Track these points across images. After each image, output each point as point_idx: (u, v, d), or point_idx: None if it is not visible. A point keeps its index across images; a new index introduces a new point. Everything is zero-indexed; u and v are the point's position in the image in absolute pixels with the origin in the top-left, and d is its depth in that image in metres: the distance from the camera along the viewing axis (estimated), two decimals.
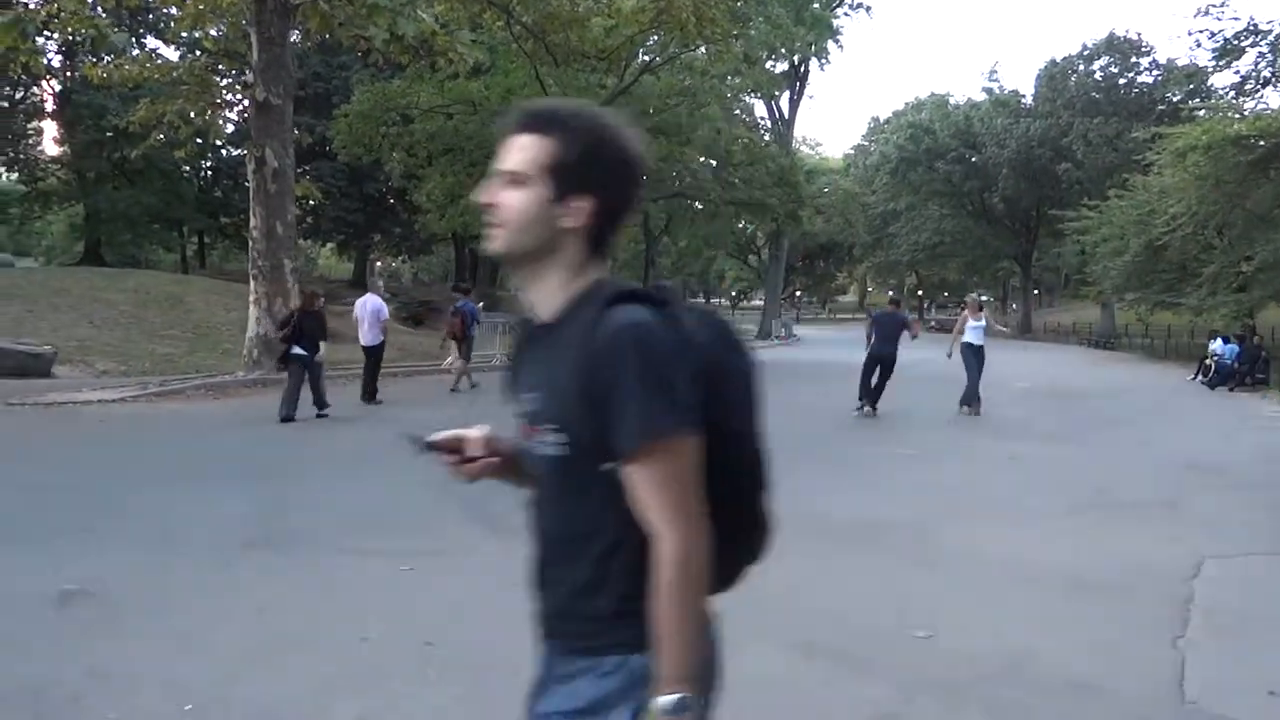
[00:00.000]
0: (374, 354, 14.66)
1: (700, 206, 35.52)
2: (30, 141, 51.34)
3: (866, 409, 13.46)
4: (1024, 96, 58.40)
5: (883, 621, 4.65)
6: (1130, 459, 10.21)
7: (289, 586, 5.03)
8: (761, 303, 57.62)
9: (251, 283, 17.65)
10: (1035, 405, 15.47)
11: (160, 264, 55.04)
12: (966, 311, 14.71)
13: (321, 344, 12.40)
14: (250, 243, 17.75)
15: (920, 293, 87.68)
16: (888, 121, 69.63)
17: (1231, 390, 20.02)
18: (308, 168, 39.24)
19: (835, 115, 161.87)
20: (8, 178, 53.61)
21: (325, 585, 5.07)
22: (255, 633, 4.33)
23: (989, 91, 61.49)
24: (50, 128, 51.67)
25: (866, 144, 74.29)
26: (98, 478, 8.15)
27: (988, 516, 7.16)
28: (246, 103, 19.64)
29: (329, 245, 57.52)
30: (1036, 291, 73.16)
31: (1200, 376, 22.20)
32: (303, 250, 59.35)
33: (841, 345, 39.90)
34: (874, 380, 13.52)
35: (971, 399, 13.76)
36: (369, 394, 14.51)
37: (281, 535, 6.15)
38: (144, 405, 13.80)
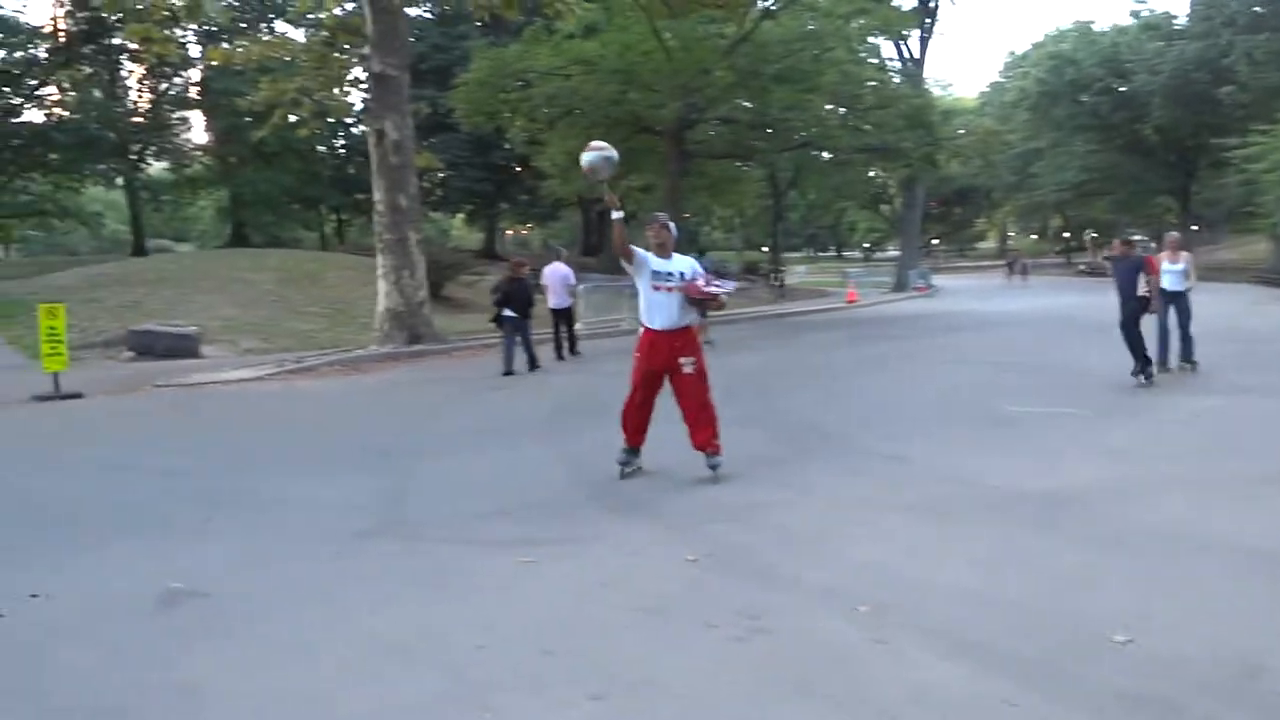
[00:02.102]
0: (565, 315, 16.16)
1: (829, 156, 34.18)
2: (175, 130, 53.63)
3: (1142, 377, 10.95)
4: (1176, 17, 54.16)
5: (1068, 620, 3.96)
6: None
7: (403, 583, 4.69)
8: (896, 254, 55.67)
9: (379, 257, 17.72)
10: (1214, 351, 13.97)
11: (302, 243, 56.96)
12: (1163, 252, 12.17)
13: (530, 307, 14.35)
14: (375, 217, 17.81)
15: (1066, 235, 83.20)
16: (1025, 55, 66.05)
17: None
18: (433, 140, 39.64)
19: (967, 53, 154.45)
20: (158, 167, 56.18)
21: (441, 581, 4.71)
22: (363, 638, 3.98)
23: (1136, 15, 57.30)
24: (195, 116, 54.04)
25: (1003, 80, 70.72)
26: (223, 463, 8.11)
27: (1173, 486, 6.28)
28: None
29: (458, 216, 58.34)
30: (1196, 228, 68.32)
31: None
32: (433, 222, 60.60)
33: (984, 294, 38.14)
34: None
35: (1188, 354, 11.82)
36: (563, 350, 15.91)
37: (400, 523, 5.87)
38: (280, 383, 13.99)
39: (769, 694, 3.39)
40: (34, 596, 4.60)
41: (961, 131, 38.28)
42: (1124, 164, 57.99)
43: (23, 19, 50.37)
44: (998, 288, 45.53)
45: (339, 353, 17.55)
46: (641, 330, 6.66)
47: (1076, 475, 6.60)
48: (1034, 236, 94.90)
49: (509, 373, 13.66)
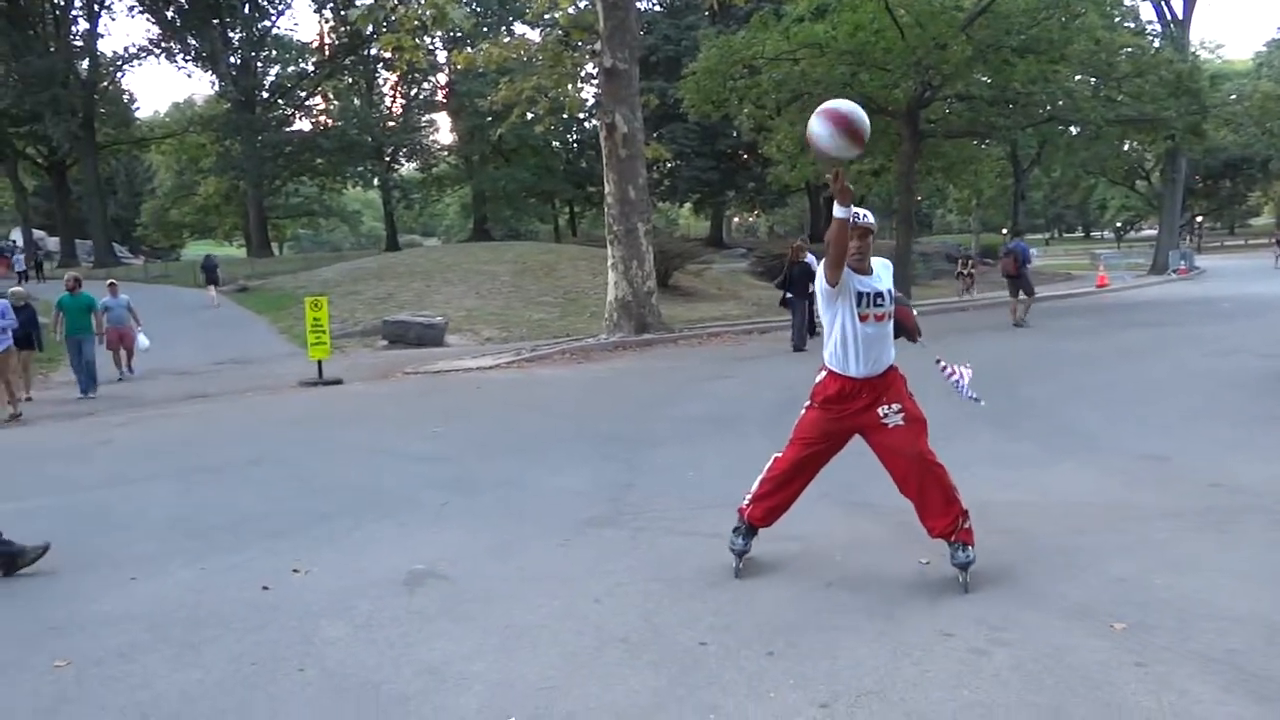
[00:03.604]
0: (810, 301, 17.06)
1: (1077, 130, 31.85)
2: (424, 132, 57.32)
3: None
4: None
5: None
6: None
7: (628, 574, 4.73)
8: (1154, 232, 51.41)
9: (609, 248, 18.14)
10: None
11: (537, 235, 59.53)
12: None
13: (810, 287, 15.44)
14: (606, 208, 18.24)
15: None
16: None
17: None
18: (661, 131, 40.25)
19: (1239, 9, 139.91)
20: (409, 167, 60.26)
21: (665, 574, 4.71)
22: (590, 629, 4.04)
23: None
24: (442, 119, 57.60)
25: None
26: (464, 448, 8.52)
27: None
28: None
29: (686, 205, 59.00)
30: None
31: None
32: (661, 212, 61.81)
33: (1254, 277, 34.40)
34: None
35: None
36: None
37: (627, 512, 5.93)
38: (515, 371, 14.61)
39: (1015, 716, 3.14)
40: (295, 571, 4.99)
41: (1234, 97, 34.72)
42: None
43: (295, 36, 55.38)
44: (1269, 269, 41.07)
45: (570, 341, 18.13)
46: (823, 374, 4.47)
47: None
48: None
49: (798, 348, 15.15)
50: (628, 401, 11.17)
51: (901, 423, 4.32)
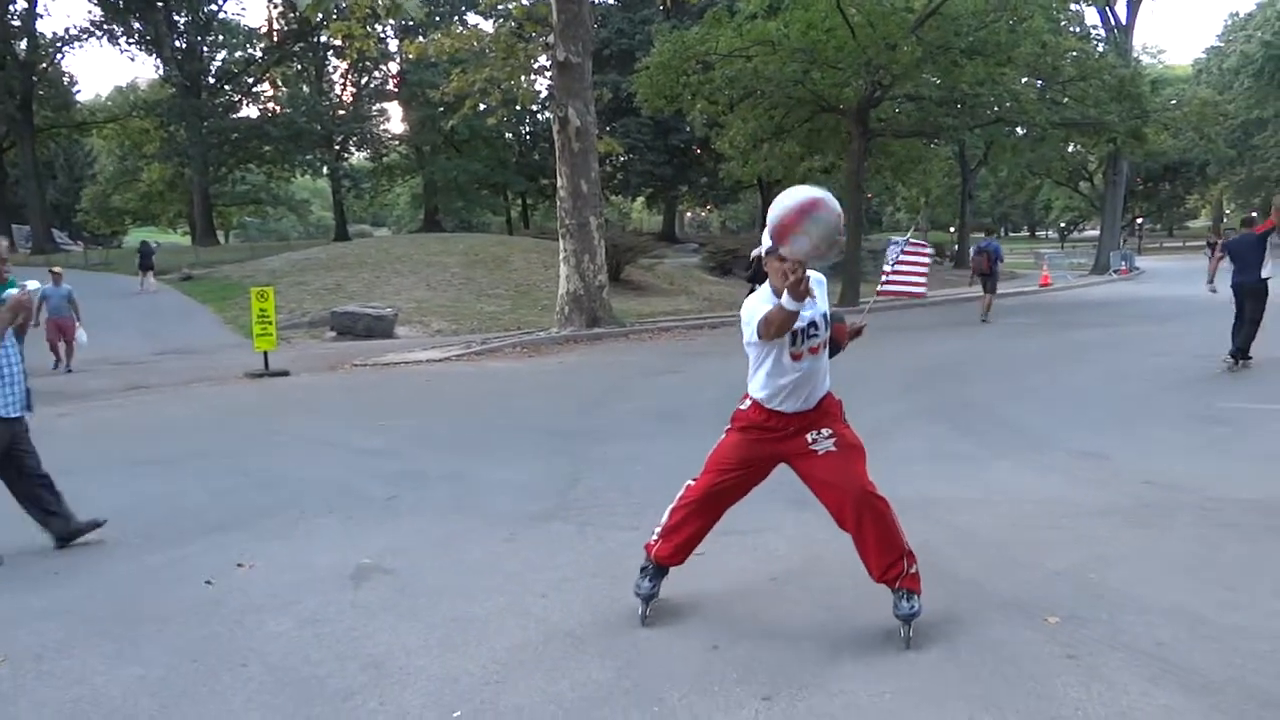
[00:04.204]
0: None
1: (1023, 132, 32.41)
2: (374, 122, 56.59)
3: (1229, 362, 10.97)
4: None
5: None
6: None
7: (574, 569, 4.76)
8: (1096, 233, 52.51)
9: (561, 241, 18.12)
10: None
11: (489, 227, 59.16)
12: None
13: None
14: (558, 201, 18.21)
15: None
16: (1250, 16, 60.75)
17: None
18: (614, 125, 40.23)
19: (1181, 17, 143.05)
20: (359, 156, 59.50)
21: (611, 569, 4.74)
22: (535, 624, 4.06)
23: None
24: (393, 108, 56.98)
25: (1221, 45, 65.38)
26: (412, 441, 8.48)
27: None
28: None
29: (639, 199, 59.05)
30: None
31: None
32: (614, 206, 61.76)
33: (1191, 277, 35.26)
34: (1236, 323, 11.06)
35: None
36: None
37: (573, 507, 5.95)
38: (465, 365, 14.55)
39: (951, 708, 3.22)
40: (240, 566, 4.94)
41: (1174, 102, 35.56)
42: None
43: (242, 21, 54.40)
44: (1203, 271, 42.08)
45: (521, 335, 18.08)
46: (748, 403, 3.93)
47: None
48: (1254, 214, 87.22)
49: None
50: (577, 395, 11.18)
51: (833, 448, 3.78)
